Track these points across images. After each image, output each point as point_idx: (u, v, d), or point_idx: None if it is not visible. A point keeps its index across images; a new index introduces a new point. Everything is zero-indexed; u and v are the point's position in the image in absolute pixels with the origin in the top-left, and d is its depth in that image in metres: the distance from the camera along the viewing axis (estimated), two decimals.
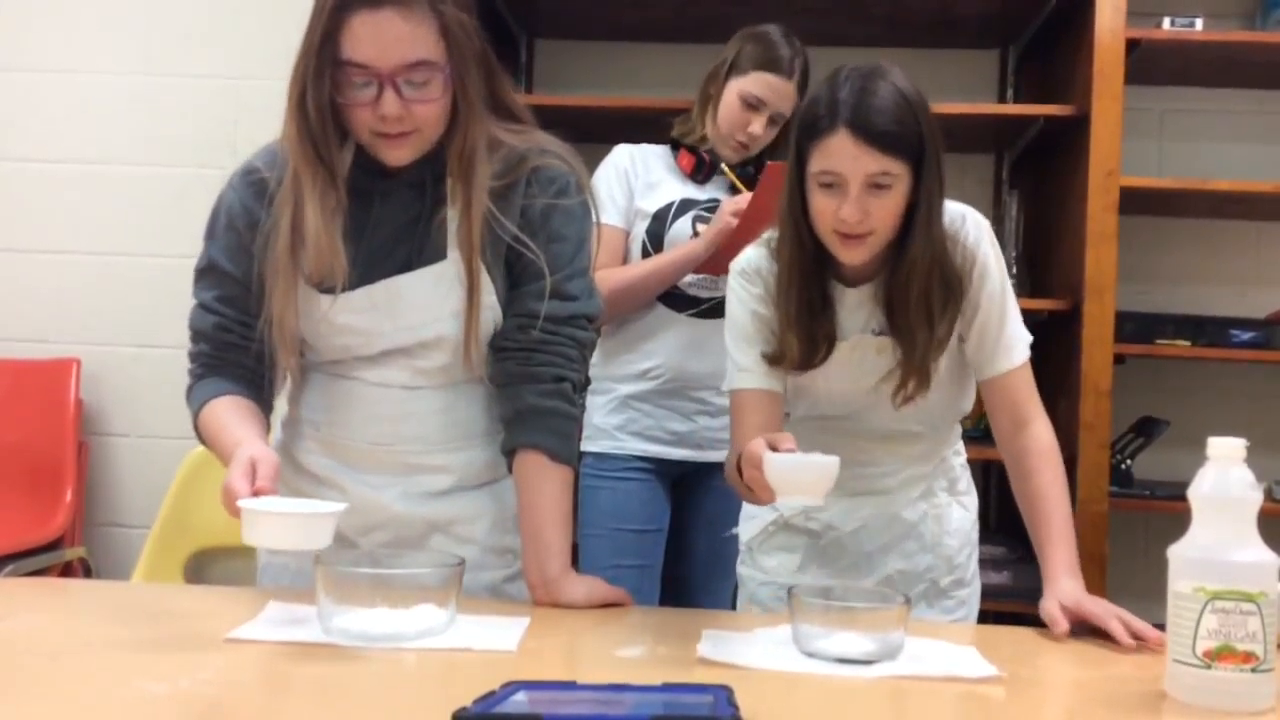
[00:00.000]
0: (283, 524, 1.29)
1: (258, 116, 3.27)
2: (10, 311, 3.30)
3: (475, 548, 1.59)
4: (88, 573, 3.12)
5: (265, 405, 1.59)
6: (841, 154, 1.50)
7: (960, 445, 1.84)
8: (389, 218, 1.54)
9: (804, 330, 1.62)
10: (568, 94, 3.12)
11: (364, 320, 1.53)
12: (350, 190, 1.50)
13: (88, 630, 1.34)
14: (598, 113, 2.87)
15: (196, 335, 1.60)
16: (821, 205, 1.55)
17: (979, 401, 1.75)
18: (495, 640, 1.31)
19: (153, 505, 2.93)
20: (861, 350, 1.65)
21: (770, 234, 1.69)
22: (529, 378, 1.55)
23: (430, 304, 1.53)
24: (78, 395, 3.18)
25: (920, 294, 1.58)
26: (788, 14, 2.90)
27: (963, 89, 3.17)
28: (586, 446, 2.37)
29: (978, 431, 2.63)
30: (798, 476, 1.33)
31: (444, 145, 1.51)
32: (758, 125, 2.29)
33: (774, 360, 1.64)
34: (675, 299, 2.32)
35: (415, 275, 1.52)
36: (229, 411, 1.53)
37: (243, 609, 1.38)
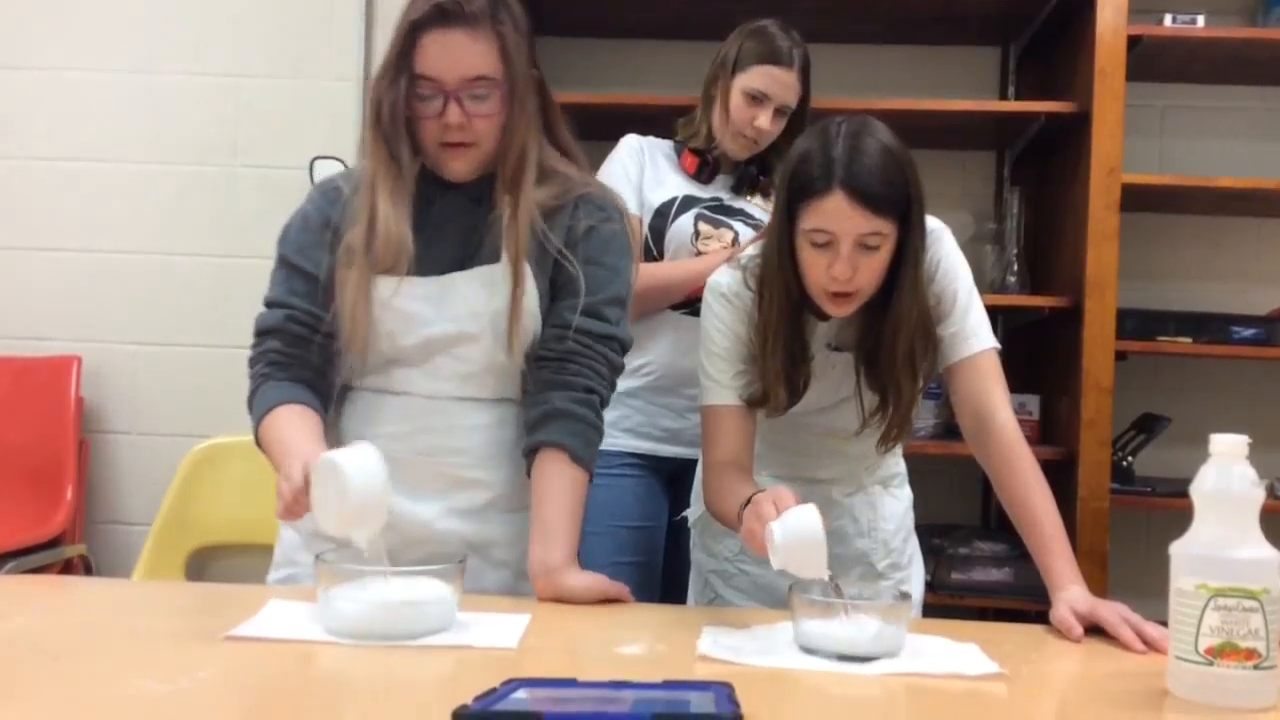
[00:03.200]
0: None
1: (258, 115, 3.27)
2: (11, 309, 3.30)
3: (509, 572, 1.64)
4: (88, 570, 3.12)
5: (328, 411, 1.63)
6: (837, 215, 1.52)
7: (898, 447, 1.85)
8: (447, 222, 1.63)
9: (789, 382, 1.66)
10: (574, 92, 3.11)
11: (416, 307, 1.59)
12: (415, 195, 1.61)
13: (88, 629, 1.34)
14: (604, 110, 2.87)
15: (263, 334, 1.63)
16: (812, 261, 1.57)
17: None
18: (496, 638, 1.31)
19: (153, 503, 2.94)
20: (823, 367, 1.69)
21: (744, 256, 1.72)
22: (561, 385, 1.62)
23: (478, 300, 1.60)
24: (78, 393, 3.17)
25: (906, 351, 1.62)
26: (791, 12, 2.90)
27: (964, 86, 3.16)
28: None
29: None
30: (801, 556, 1.34)
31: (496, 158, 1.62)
32: (764, 119, 2.29)
33: (756, 403, 1.67)
34: None
35: (467, 274, 1.60)
36: (294, 422, 1.55)
37: (243, 607, 1.38)
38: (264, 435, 1.58)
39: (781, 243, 1.60)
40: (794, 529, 1.34)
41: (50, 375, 3.19)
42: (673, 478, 2.34)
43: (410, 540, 1.55)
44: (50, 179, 3.30)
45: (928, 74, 3.16)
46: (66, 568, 3.05)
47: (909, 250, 1.58)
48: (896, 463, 1.91)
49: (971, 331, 1.69)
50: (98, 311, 3.27)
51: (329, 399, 1.64)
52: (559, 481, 1.58)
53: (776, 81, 2.29)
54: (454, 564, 1.36)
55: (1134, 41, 2.69)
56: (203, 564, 2.90)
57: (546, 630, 1.38)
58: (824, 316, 1.66)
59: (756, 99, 2.29)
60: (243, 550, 2.81)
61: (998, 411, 1.66)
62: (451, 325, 1.60)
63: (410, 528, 1.57)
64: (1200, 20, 2.74)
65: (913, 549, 1.94)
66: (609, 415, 2.32)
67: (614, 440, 2.33)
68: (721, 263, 2.25)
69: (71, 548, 3.07)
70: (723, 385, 1.69)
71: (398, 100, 1.56)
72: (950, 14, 2.95)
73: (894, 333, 1.61)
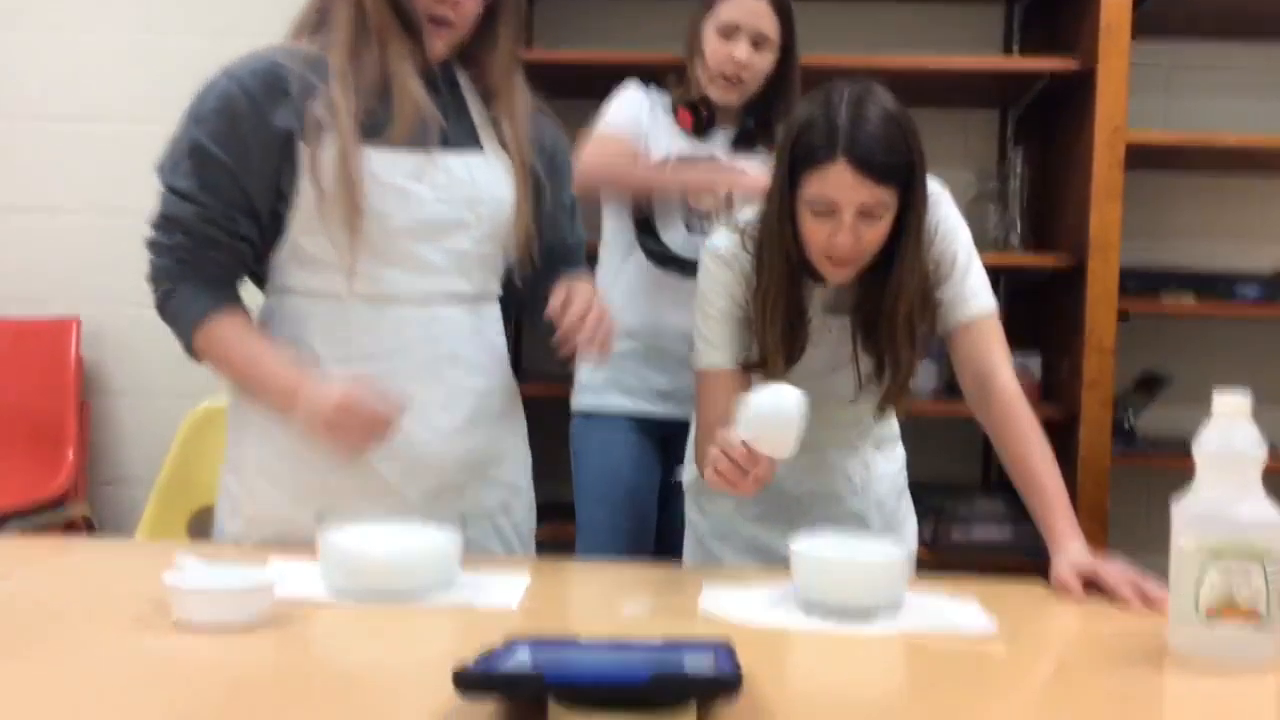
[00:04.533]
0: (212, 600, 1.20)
1: None
2: (9, 271, 3.29)
3: (503, 489, 1.66)
4: (91, 530, 3.13)
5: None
6: (839, 184, 1.51)
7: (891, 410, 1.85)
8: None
9: (786, 346, 1.65)
10: (569, 49, 3.08)
11: (410, 184, 1.53)
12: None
13: (90, 589, 1.35)
14: (599, 68, 2.84)
15: (169, 223, 1.52)
16: (813, 229, 1.56)
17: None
18: (496, 597, 1.31)
19: (155, 464, 2.93)
20: (820, 331, 1.68)
21: (741, 219, 1.70)
22: (568, 264, 1.73)
23: (472, 184, 1.57)
24: (78, 354, 3.17)
25: (905, 315, 1.62)
26: None
27: (968, 41, 3.13)
28: (574, 404, 2.38)
29: None
30: (770, 431, 1.35)
31: (472, 51, 1.62)
32: (741, 50, 2.24)
33: (752, 367, 1.67)
34: (661, 258, 2.30)
35: (461, 157, 1.58)
36: (250, 337, 1.54)
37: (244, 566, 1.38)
38: (215, 350, 1.53)
39: (782, 209, 1.59)
40: (769, 401, 1.35)
41: (50, 337, 3.19)
42: (665, 439, 2.33)
43: (414, 469, 1.55)
44: (48, 138, 3.28)
45: (932, 30, 3.13)
46: (69, 528, 3.06)
47: (911, 218, 1.57)
48: (890, 424, 1.91)
49: (971, 294, 1.68)
50: (97, 273, 3.25)
51: (240, 295, 1.59)
52: (579, 278, 1.64)
53: (746, 10, 2.24)
54: (455, 517, 1.36)
55: None
56: (206, 523, 2.89)
57: (547, 590, 1.39)
58: (822, 281, 1.65)
59: (728, 33, 2.26)
60: None
61: (998, 373, 1.66)
62: (448, 210, 1.55)
63: (418, 452, 1.54)
64: None
65: (906, 509, 1.94)
66: (601, 374, 2.33)
67: (607, 400, 2.33)
68: (688, 182, 2.22)
69: (74, 507, 3.08)
70: (717, 348, 1.69)
71: None
72: None
73: (894, 298, 1.61)
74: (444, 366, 1.57)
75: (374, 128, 1.50)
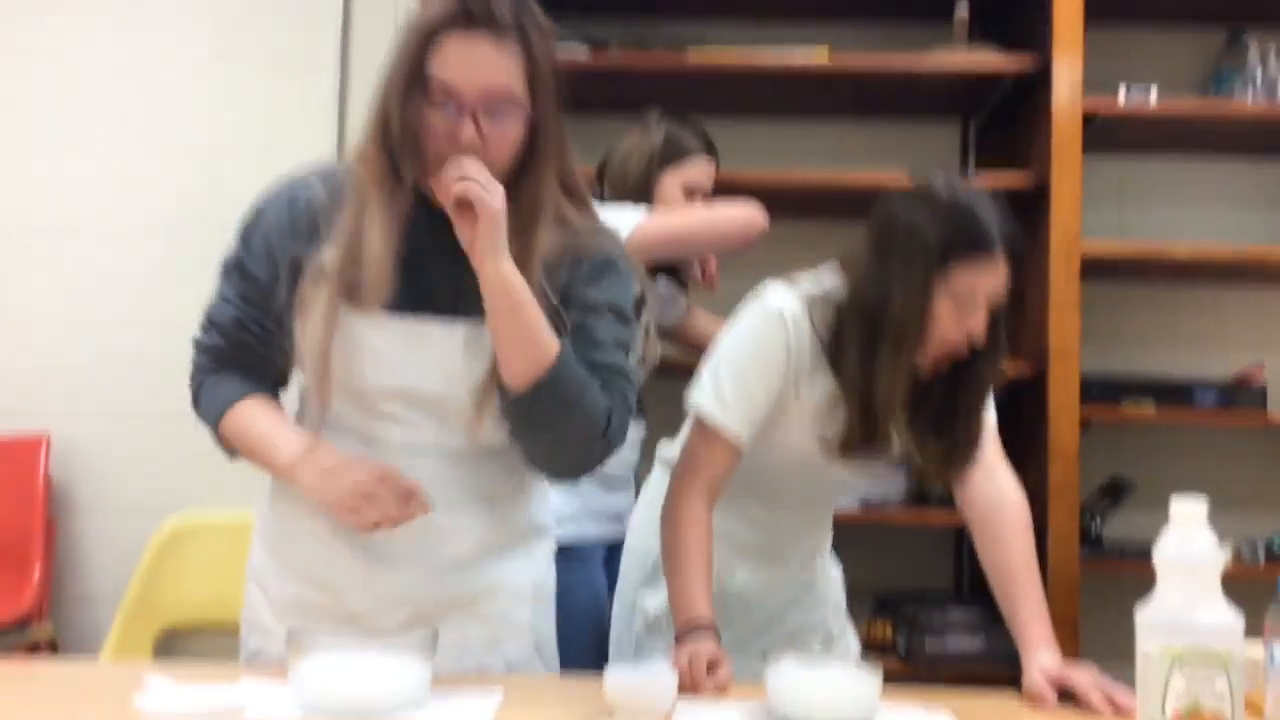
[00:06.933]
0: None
1: (232, 191, 3.24)
2: None
3: (493, 623, 1.57)
4: (55, 651, 3.07)
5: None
6: (996, 272, 1.57)
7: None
8: (430, 255, 1.49)
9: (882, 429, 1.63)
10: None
11: (387, 348, 1.47)
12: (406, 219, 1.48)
13: (58, 713, 1.33)
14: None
15: (211, 325, 1.57)
16: (948, 316, 1.58)
17: None
18: (467, 716, 1.30)
19: (122, 582, 2.90)
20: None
21: (812, 290, 1.67)
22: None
23: (455, 362, 1.48)
24: (47, 471, 3.14)
25: (978, 400, 1.69)
26: (757, 88, 2.98)
27: (926, 159, 3.22)
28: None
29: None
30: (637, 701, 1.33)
31: (507, 195, 1.42)
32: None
33: (833, 444, 1.65)
34: None
35: (449, 329, 1.48)
36: (268, 413, 1.53)
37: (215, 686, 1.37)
38: (234, 430, 1.53)
39: (921, 294, 1.57)
40: (640, 686, 1.33)
41: (19, 454, 3.15)
42: (610, 554, 2.29)
43: (389, 603, 1.52)
44: (20, 252, 3.29)
45: (890, 148, 3.22)
46: (33, 649, 3.00)
47: (1002, 310, 1.64)
48: (830, 531, 1.95)
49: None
50: (68, 387, 3.24)
51: (277, 394, 1.59)
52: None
53: (709, 175, 2.37)
54: (427, 636, 1.36)
55: (1090, 117, 2.76)
56: (172, 644, 2.86)
57: (518, 709, 1.38)
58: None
59: (692, 192, 2.34)
60: (212, 630, 2.77)
61: (999, 471, 1.72)
62: (427, 383, 1.48)
63: (389, 590, 1.52)
64: (1153, 93, 2.82)
65: (844, 615, 1.97)
66: (574, 503, 2.27)
67: (584, 530, 2.24)
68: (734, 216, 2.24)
69: (38, 628, 3.03)
70: (734, 410, 1.64)
71: (409, 111, 1.42)
72: (911, 90, 3.02)
73: (975, 384, 1.66)
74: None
75: (355, 289, 1.45)
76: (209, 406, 1.56)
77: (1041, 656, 1.50)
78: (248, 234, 1.56)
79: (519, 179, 1.47)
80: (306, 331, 1.47)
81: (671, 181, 2.33)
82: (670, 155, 2.34)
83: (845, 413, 1.62)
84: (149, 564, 2.87)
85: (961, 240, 1.56)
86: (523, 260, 1.43)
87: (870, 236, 1.65)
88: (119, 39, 3.33)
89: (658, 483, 1.88)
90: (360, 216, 1.44)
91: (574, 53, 2.82)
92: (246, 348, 1.55)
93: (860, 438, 1.62)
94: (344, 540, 1.52)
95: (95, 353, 3.25)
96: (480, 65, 1.40)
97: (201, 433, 1.60)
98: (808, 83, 2.97)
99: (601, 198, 2.34)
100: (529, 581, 1.62)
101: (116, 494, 3.24)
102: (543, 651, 1.64)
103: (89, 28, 3.34)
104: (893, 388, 1.59)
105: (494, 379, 1.46)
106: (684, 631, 1.54)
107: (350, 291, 1.45)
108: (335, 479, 1.43)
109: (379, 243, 1.42)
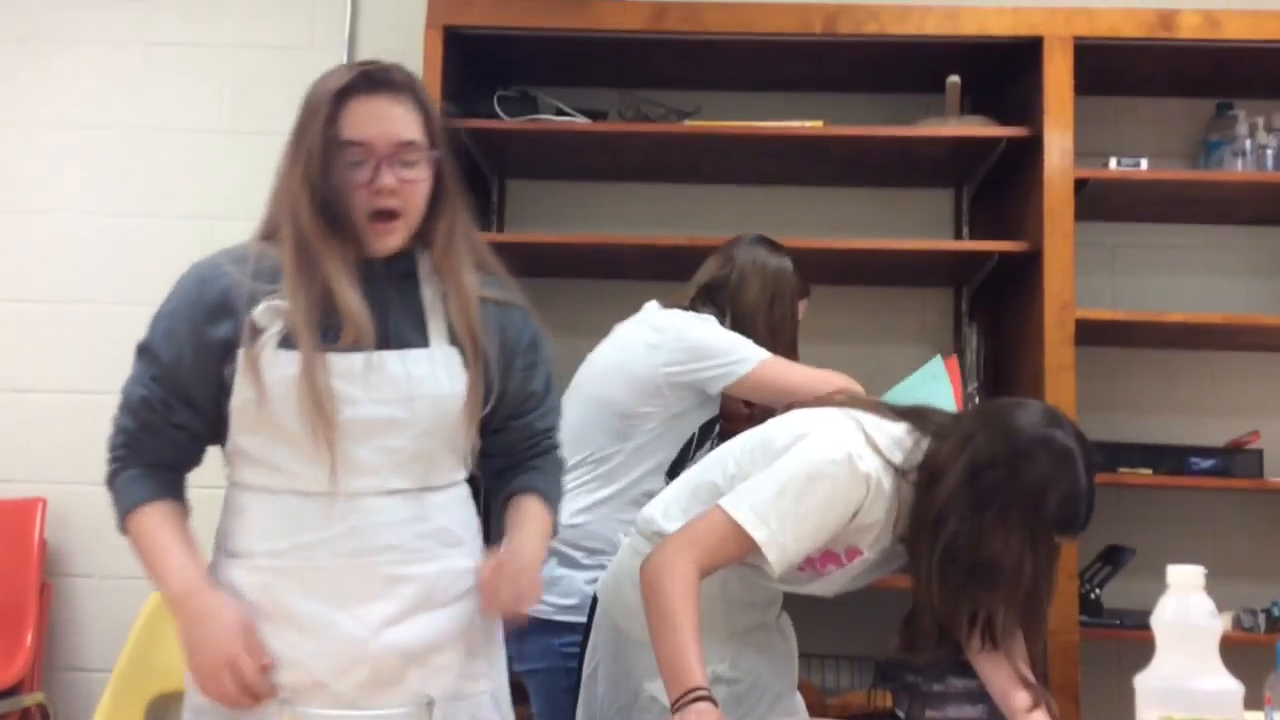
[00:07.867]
0: None
1: None
2: None
3: (451, 675, 1.58)
4: (46, 718, 3.04)
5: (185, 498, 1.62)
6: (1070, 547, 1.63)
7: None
8: (379, 293, 1.57)
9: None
10: (537, 232, 3.19)
11: (342, 385, 1.52)
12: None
13: None
14: (566, 250, 2.93)
15: (124, 402, 1.62)
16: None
17: None
18: None
19: (115, 648, 2.87)
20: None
21: (890, 450, 1.68)
22: (533, 453, 1.70)
23: (407, 383, 1.55)
24: (42, 536, 3.13)
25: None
26: (751, 156, 3.02)
27: (919, 226, 3.25)
28: (571, 617, 2.20)
29: None
30: None
31: (421, 239, 1.60)
32: None
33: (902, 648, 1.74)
34: None
35: (399, 354, 1.56)
36: (167, 528, 1.56)
37: None
38: (136, 538, 1.57)
39: (1020, 559, 1.60)
40: None
41: (14, 518, 3.15)
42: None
43: (347, 664, 1.52)
44: (17, 318, 3.31)
45: (884, 215, 3.25)
46: (24, 717, 2.96)
47: None
48: None
49: None
50: (64, 452, 3.24)
51: (184, 482, 1.63)
52: (532, 519, 1.64)
53: None
54: (422, 708, 1.35)
55: (1081, 184, 2.79)
56: (164, 712, 2.82)
57: None
58: None
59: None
60: None
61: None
62: (380, 409, 1.53)
63: (347, 646, 1.51)
64: (1144, 163, 2.85)
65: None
66: (573, 588, 2.25)
67: (576, 614, 2.18)
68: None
69: (30, 696, 2.99)
70: (784, 549, 1.62)
71: (332, 172, 1.52)
72: (904, 158, 3.06)
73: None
74: (375, 556, 1.54)
75: (322, 333, 1.52)
76: (118, 500, 1.60)
77: None
78: (157, 318, 1.62)
79: (435, 222, 1.60)
80: (265, 376, 1.51)
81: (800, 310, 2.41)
82: (802, 290, 2.40)
83: (917, 622, 1.69)
84: (142, 630, 2.84)
85: (1076, 525, 1.63)
86: (461, 306, 1.58)
87: (982, 454, 1.64)
88: (122, 102, 3.38)
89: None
90: (325, 273, 1.52)
91: (574, 124, 2.87)
92: (151, 433, 1.59)
93: (928, 644, 1.71)
94: (292, 608, 1.54)
95: (92, 418, 3.24)
96: (387, 120, 1.54)
97: (196, 501, 1.62)
98: (804, 153, 3.01)
99: (722, 319, 2.32)
100: (491, 627, 1.66)
101: (111, 560, 3.22)
102: (499, 703, 1.66)
103: (92, 92, 3.39)
104: (961, 612, 1.71)
105: (476, 392, 1.58)
106: (683, 700, 1.52)
107: (338, 341, 1.52)
108: (203, 632, 1.49)
109: (350, 291, 1.52)
